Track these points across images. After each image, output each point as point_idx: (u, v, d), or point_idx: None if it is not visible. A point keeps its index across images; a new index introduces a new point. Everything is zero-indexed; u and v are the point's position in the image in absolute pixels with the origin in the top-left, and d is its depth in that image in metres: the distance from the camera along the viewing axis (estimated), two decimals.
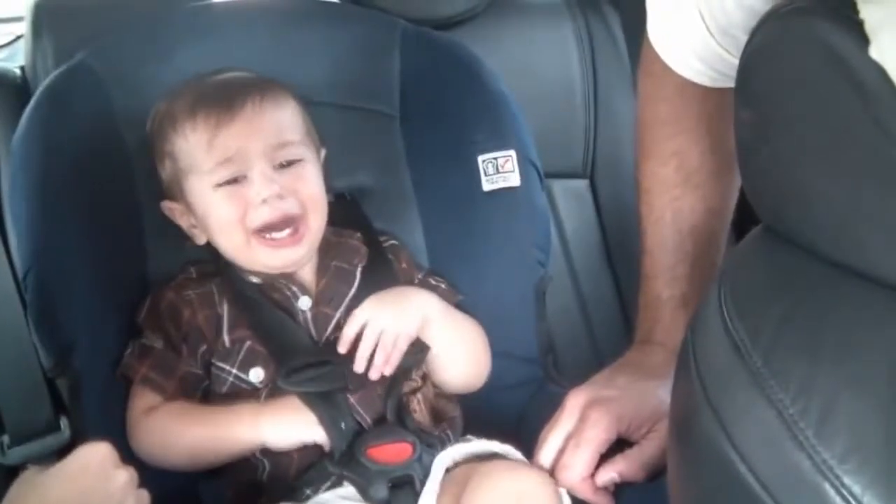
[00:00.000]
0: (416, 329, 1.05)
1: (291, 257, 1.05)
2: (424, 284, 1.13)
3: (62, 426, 0.93)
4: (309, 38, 1.22)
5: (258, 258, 1.04)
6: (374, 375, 1.01)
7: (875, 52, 0.58)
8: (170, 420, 1.00)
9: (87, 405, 1.02)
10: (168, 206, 1.09)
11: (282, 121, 1.06)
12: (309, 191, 1.05)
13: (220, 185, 1.03)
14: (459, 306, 1.14)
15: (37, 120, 1.11)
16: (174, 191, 1.08)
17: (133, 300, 1.08)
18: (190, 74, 1.11)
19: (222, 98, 1.04)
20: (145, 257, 1.11)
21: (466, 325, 1.12)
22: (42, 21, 1.28)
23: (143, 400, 1.02)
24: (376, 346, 1.02)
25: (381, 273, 1.11)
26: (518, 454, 0.98)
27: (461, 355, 1.10)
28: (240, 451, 0.99)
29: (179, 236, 1.10)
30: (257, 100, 1.04)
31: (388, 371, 1.02)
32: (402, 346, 1.03)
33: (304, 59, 1.19)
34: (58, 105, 1.12)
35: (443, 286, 1.14)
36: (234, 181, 1.03)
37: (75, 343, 1.03)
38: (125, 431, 1.01)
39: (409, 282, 1.13)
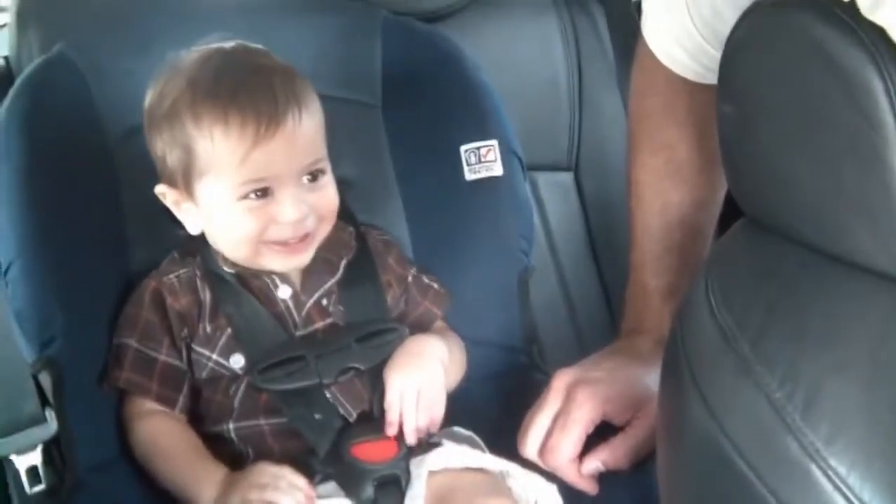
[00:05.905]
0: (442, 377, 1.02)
1: (299, 262, 1.03)
2: (417, 282, 1.12)
3: (48, 418, 0.92)
4: (291, 29, 1.22)
5: (263, 262, 1.02)
6: (412, 440, 0.98)
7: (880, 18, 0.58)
8: (153, 444, 0.99)
9: (71, 400, 1.00)
10: (162, 193, 1.03)
11: (316, 136, 1.00)
12: (328, 206, 1.03)
13: (243, 198, 0.98)
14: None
15: (16, 112, 1.09)
16: (176, 179, 1.00)
17: (116, 293, 1.06)
18: None
19: (261, 108, 0.95)
20: (127, 249, 1.10)
21: (456, 345, 1.11)
22: (27, 10, 1.26)
23: (133, 404, 1.01)
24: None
25: (364, 270, 1.09)
26: (495, 462, 0.98)
27: (454, 375, 1.08)
28: None
29: (162, 227, 1.08)
30: (297, 113, 0.97)
31: (434, 428, 1.00)
32: (441, 398, 1.00)
33: (286, 50, 1.17)
34: (37, 96, 1.10)
35: (435, 286, 1.13)
36: (259, 195, 0.98)
37: (57, 337, 1.01)
38: (111, 427, 1.01)
39: (399, 279, 1.11)
